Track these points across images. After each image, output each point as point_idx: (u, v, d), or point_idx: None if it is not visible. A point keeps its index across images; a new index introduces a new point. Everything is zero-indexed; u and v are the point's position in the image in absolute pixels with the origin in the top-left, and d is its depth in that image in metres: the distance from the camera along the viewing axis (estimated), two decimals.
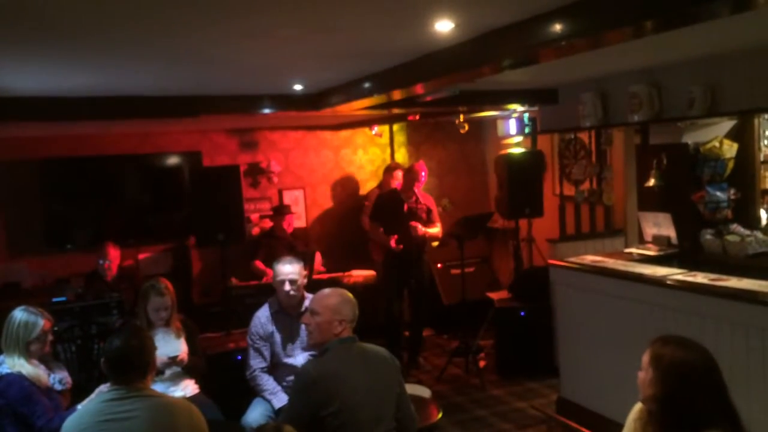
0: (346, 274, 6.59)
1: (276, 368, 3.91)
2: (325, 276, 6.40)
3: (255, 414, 3.74)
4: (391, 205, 6.06)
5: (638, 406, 2.26)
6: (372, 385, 2.82)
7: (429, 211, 6.11)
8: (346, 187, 7.56)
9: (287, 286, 3.85)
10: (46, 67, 3.48)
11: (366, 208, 6.92)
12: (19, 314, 3.37)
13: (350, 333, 2.96)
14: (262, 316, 3.94)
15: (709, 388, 2.05)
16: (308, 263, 4.56)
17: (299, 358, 3.86)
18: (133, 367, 2.61)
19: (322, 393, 2.72)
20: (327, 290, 3.08)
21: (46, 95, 4.40)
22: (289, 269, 3.88)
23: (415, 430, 3.02)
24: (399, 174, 6.70)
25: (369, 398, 2.79)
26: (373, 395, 2.81)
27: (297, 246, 6.37)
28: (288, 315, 3.92)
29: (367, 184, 7.56)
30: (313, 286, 4.01)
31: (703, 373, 2.06)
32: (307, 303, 3.78)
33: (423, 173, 6.05)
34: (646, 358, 2.16)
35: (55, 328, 3.81)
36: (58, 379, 3.43)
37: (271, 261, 6.06)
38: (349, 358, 2.88)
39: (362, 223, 6.91)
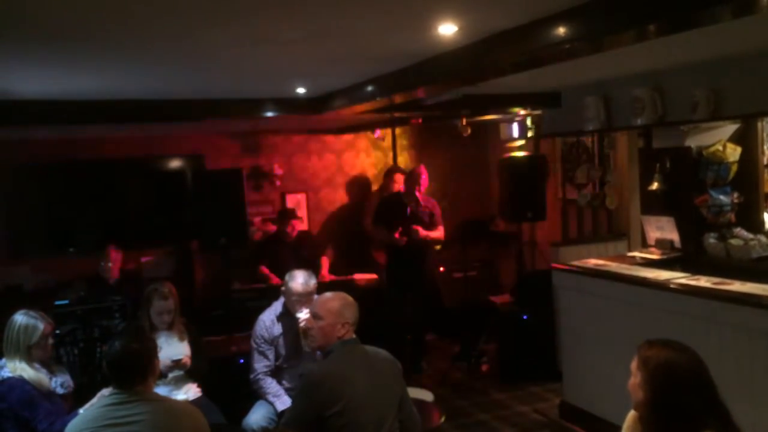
0: (349, 278, 6.58)
1: (280, 372, 3.89)
2: (327, 280, 6.40)
3: (256, 416, 3.73)
4: (393, 208, 6.06)
5: (631, 414, 2.24)
6: (375, 387, 2.83)
7: (432, 215, 6.10)
8: (349, 190, 7.56)
9: (304, 310, 3.74)
10: (49, 70, 3.49)
11: (366, 208, 6.91)
12: (20, 318, 3.36)
13: (353, 335, 2.97)
14: (267, 319, 3.91)
15: (698, 388, 2.02)
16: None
17: (303, 362, 3.82)
18: (134, 370, 2.59)
19: (326, 393, 2.73)
20: (329, 294, 3.08)
21: (50, 99, 4.41)
22: (303, 290, 3.78)
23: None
24: (399, 177, 6.70)
25: (372, 400, 2.79)
26: (375, 397, 2.81)
27: (302, 251, 6.35)
28: (293, 318, 3.85)
29: (370, 188, 7.55)
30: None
31: (690, 373, 2.04)
32: None
33: (423, 177, 6.04)
34: (634, 364, 2.14)
35: (57, 331, 3.80)
36: (60, 382, 3.42)
37: (275, 265, 6.08)
38: (352, 359, 2.89)
39: (363, 224, 6.90)
